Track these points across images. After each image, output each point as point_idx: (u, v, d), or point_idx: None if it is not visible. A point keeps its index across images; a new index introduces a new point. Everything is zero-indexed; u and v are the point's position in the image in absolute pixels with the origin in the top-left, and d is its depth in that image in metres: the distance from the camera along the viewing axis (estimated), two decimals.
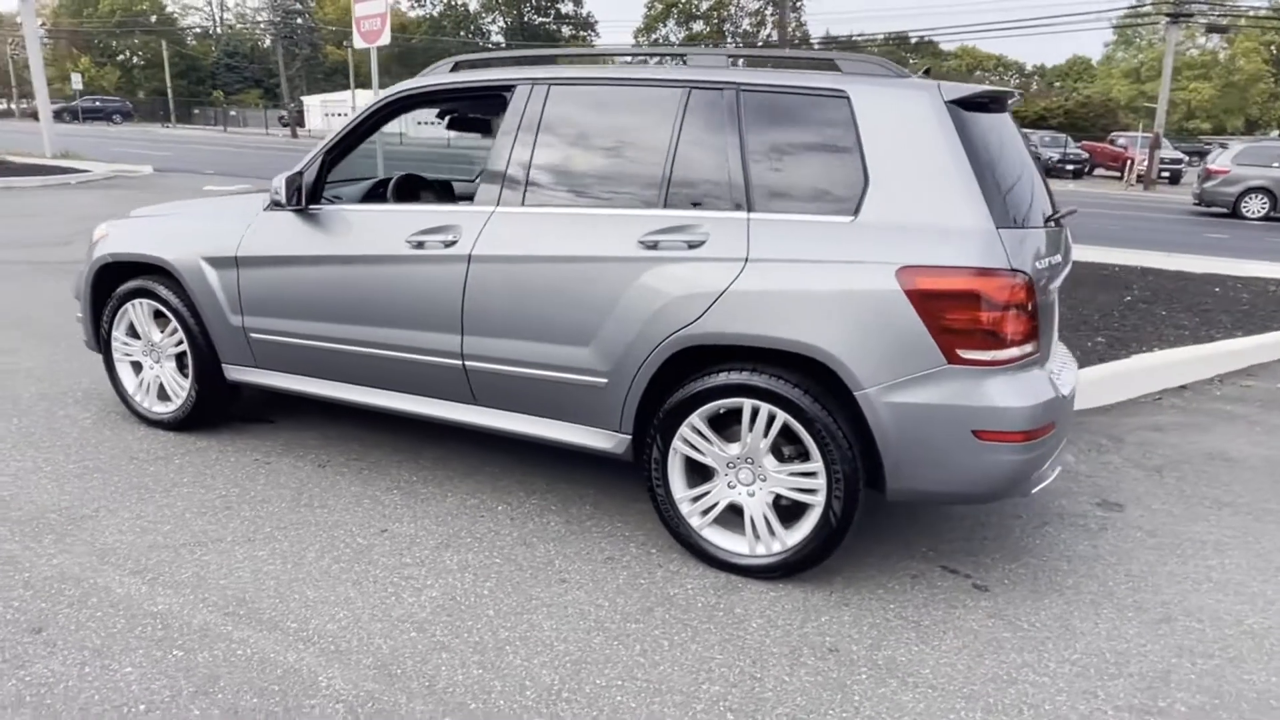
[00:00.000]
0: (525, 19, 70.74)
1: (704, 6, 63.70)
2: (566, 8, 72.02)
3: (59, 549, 2.90)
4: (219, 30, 74.58)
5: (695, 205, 2.85)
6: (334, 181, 3.81)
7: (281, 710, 2.15)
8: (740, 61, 3.00)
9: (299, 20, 61.42)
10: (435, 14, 70.69)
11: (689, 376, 2.85)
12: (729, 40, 62.49)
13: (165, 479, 3.47)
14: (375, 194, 3.93)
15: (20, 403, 4.27)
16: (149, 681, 2.23)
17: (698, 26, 63.85)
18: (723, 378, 2.77)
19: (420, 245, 3.20)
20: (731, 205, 2.80)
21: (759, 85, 2.83)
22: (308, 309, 3.48)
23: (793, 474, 2.76)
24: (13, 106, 61.53)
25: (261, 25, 67.32)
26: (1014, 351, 2.58)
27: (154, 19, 68.72)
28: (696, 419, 2.84)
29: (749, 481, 2.84)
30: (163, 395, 3.95)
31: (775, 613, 2.69)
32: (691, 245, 2.80)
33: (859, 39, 56.84)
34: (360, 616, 2.57)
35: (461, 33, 69.19)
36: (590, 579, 2.85)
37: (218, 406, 3.91)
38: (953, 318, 2.52)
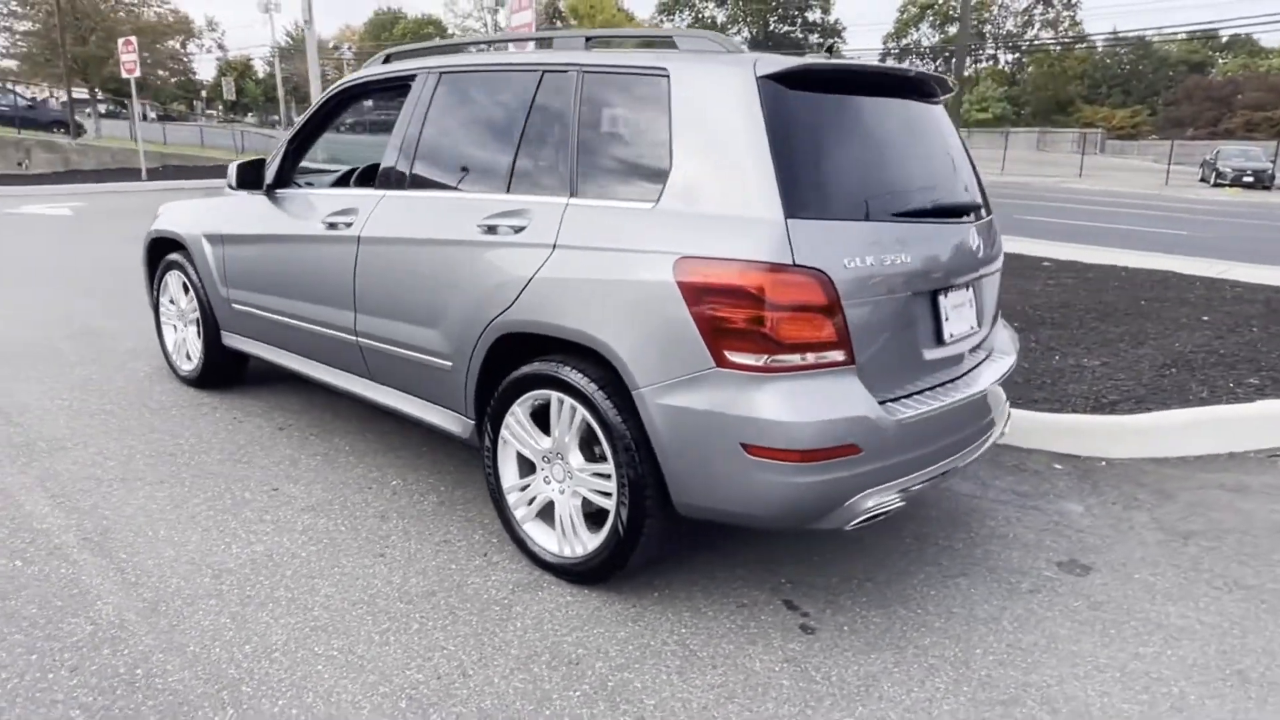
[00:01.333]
0: (771, 28, 70.80)
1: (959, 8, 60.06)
2: (814, 15, 71.13)
3: (18, 469, 3.45)
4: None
5: (534, 189, 2.79)
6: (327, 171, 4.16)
7: (43, 620, 2.43)
8: (592, 42, 2.88)
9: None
10: (682, 28, 72.95)
11: (511, 366, 2.79)
12: (989, 43, 58.26)
13: (150, 425, 3.99)
14: (342, 181, 4.23)
15: (107, 355, 5.10)
16: None
17: (953, 30, 60.21)
18: (532, 368, 2.68)
19: (332, 226, 3.41)
20: (559, 190, 2.71)
21: (595, 66, 2.71)
22: (261, 282, 3.85)
23: (593, 475, 2.61)
24: None
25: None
26: (795, 358, 2.24)
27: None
28: (518, 409, 2.77)
29: (560, 479, 2.72)
30: (188, 356, 4.53)
31: (553, 617, 2.55)
32: (516, 230, 2.74)
33: (1152, 34, 50.44)
34: (179, 559, 2.81)
35: None
36: (405, 557, 2.87)
37: (223, 369, 4.40)
38: (721, 316, 2.25)
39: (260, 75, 71.25)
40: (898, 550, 3.08)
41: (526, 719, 2.11)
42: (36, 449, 3.67)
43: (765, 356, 2.22)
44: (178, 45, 58.49)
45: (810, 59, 2.49)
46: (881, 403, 2.42)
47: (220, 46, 67.52)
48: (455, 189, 3.07)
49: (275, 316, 3.80)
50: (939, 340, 2.66)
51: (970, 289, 2.84)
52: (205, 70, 68.23)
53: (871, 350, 2.38)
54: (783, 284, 2.20)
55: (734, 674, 2.32)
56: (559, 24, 76.30)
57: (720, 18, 72.10)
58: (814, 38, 71.22)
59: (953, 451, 2.63)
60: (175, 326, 4.59)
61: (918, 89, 2.80)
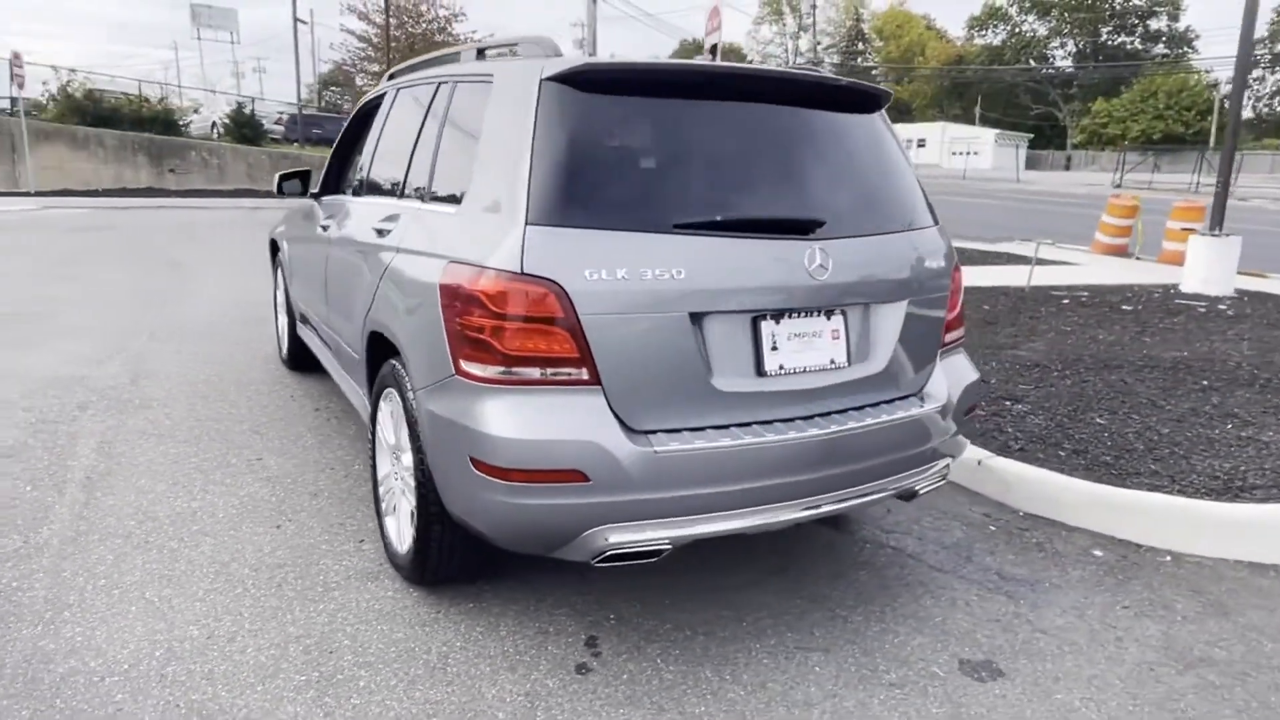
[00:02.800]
0: (1102, 39, 63.38)
1: None
2: (1158, 23, 62.46)
3: (98, 420, 4.24)
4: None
5: (408, 195, 2.91)
6: None
7: None
8: (487, 52, 2.89)
9: (857, 60, 64.90)
10: (996, 43, 67.78)
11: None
12: None
13: (225, 395, 4.66)
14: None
15: (257, 337, 6.03)
16: None
17: None
18: (386, 365, 2.78)
19: (324, 228, 3.79)
20: (420, 195, 2.81)
21: (455, 77, 2.80)
22: (297, 276, 4.37)
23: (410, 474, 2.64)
24: None
25: (823, 65, 72.88)
26: (528, 372, 2.10)
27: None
28: (383, 404, 2.88)
29: (399, 474, 2.78)
30: (279, 342, 5.24)
31: (356, 606, 2.59)
32: (385, 234, 2.87)
33: None
34: (135, 505, 3.27)
35: (1021, 60, 65.08)
36: (296, 531, 3.08)
37: (300, 356, 4.98)
38: (460, 322, 2.17)
39: None
40: (780, 607, 2.71)
41: (236, 688, 2.20)
42: (128, 406, 4.47)
43: (494, 368, 2.12)
44: None
45: (597, 59, 2.33)
46: (650, 432, 2.19)
47: None
48: (378, 195, 3.28)
49: (299, 305, 4.30)
50: (759, 371, 2.33)
51: (838, 318, 2.45)
52: None
53: (627, 372, 2.16)
54: (510, 293, 2.09)
55: (462, 696, 2.20)
56: (861, 45, 74.88)
57: (1041, 30, 66.08)
58: (1158, 49, 62.62)
59: (765, 500, 2.28)
60: (278, 316, 5.33)
61: (772, 91, 2.50)
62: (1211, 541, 3.24)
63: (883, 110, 2.77)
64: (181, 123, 23.18)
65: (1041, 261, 9.32)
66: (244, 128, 23.50)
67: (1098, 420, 4.30)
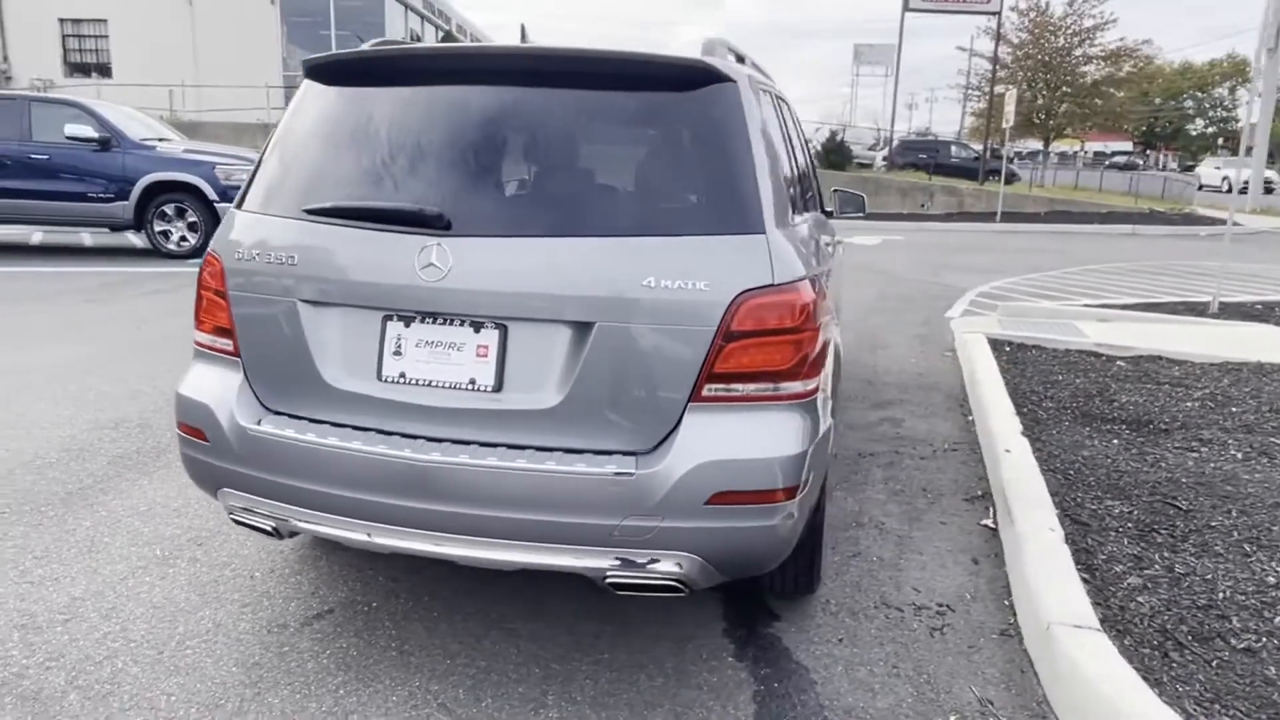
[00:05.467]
0: None
1: None
2: None
3: None
4: None
5: None
6: None
7: None
8: None
9: None
10: None
11: None
12: None
13: None
14: None
15: None
16: None
17: None
18: None
19: None
20: None
21: None
22: None
23: None
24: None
25: None
26: (203, 338, 2.32)
27: None
28: None
29: None
30: None
31: (216, 585, 2.74)
32: None
33: None
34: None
35: None
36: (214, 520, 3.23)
37: None
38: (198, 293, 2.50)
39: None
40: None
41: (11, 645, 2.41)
42: None
43: (202, 334, 2.39)
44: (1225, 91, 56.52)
45: (344, 50, 2.32)
46: (280, 413, 2.23)
47: None
48: None
49: None
50: (377, 374, 2.11)
51: (490, 332, 2.03)
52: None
53: (256, 351, 2.21)
54: (205, 266, 2.36)
55: (202, 684, 2.27)
56: None
57: None
58: None
59: (371, 517, 2.08)
60: None
61: (516, 72, 2.14)
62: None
63: (711, 87, 2.12)
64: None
65: None
66: (832, 154, 25.34)
67: None
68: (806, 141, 4.37)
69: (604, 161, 2.12)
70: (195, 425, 2.30)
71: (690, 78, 2.11)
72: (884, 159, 30.03)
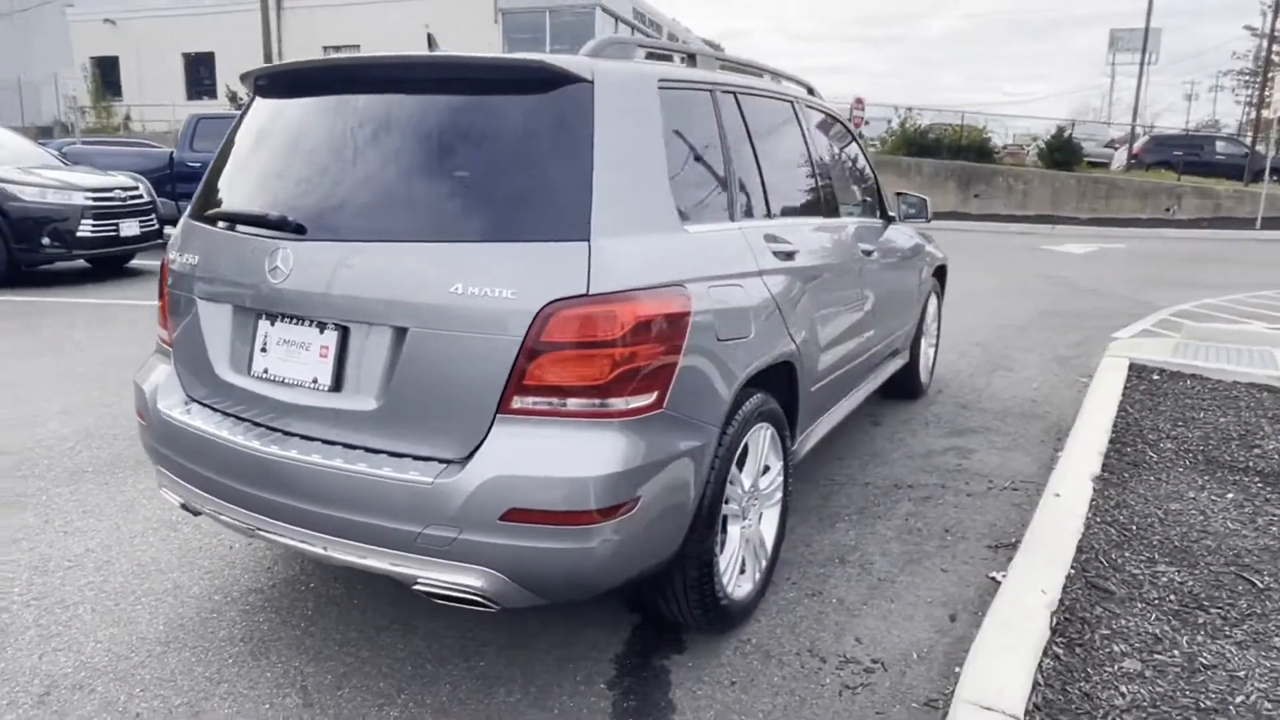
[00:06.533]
0: None
1: None
2: None
3: None
4: None
5: None
6: None
7: None
8: None
9: None
10: None
11: None
12: None
13: None
14: None
15: None
16: None
17: None
18: None
19: None
20: None
21: None
22: None
23: None
24: None
25: None
26: (160, 331, 2.61)
27: None
28: None
29: None
30: None
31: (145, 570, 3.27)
32: None
33: None
34: None
35: None
36: None
37: None
38: None
39: None
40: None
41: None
42: None
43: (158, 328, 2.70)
44: None
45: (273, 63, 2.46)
46: (194, 400, 2.44)
47: None
48: None
49: None
50: (249, 369, 2.24)
51: (331, 333, 2.09)
52: None
53: (179, 343, 2.43)
54: (161, 270, 2.63)
55: (128, 637, 2.60)
56: None
57: None
58: None
59: (233, 500, 2.23)
60: None
61: (382, 80, 2.18)
62: None
63: (562, 89, 2.04)
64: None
65: None
66: (1057, 152, 23.00)
67: None
68: (856, 139, 4.04)
69: (441, 166, 2.09)
70: (139, 408, 2.58)
71: (536, 79, 2.05)
72: (1129, 157, 26.72)
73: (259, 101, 2.51)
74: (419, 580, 2.00)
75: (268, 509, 2.15)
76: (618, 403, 1.92)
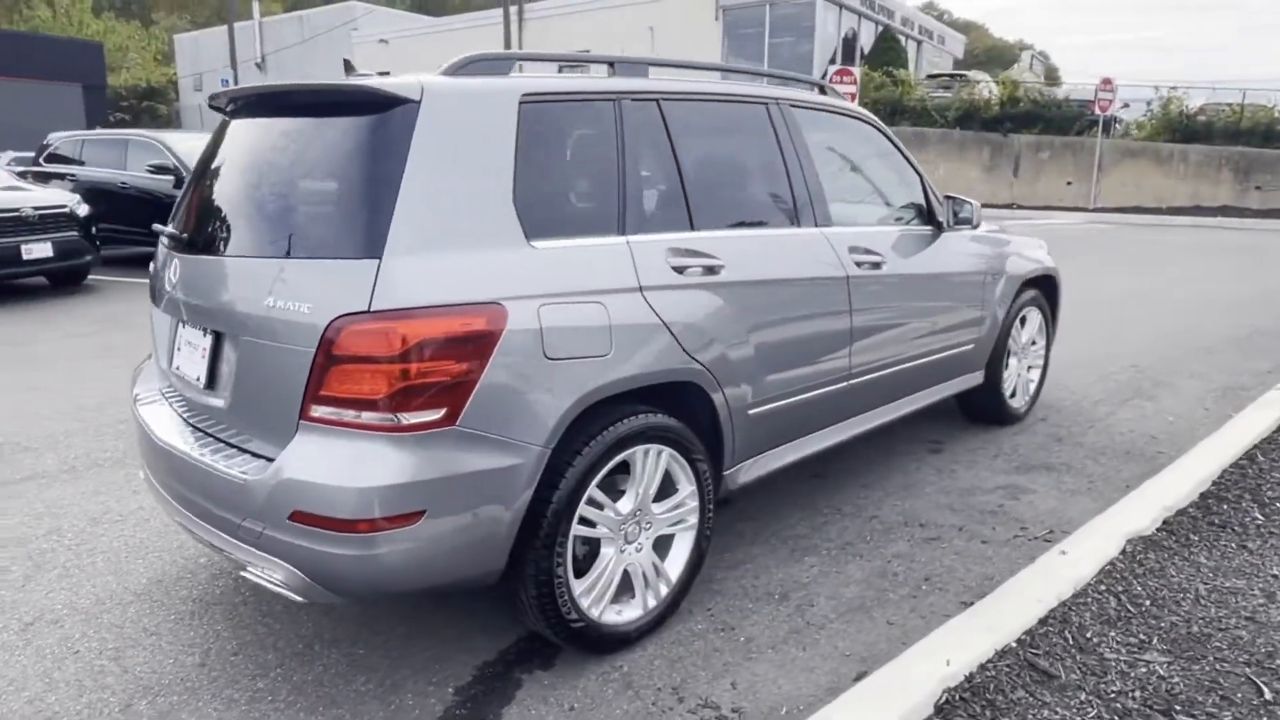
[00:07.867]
0: None
1: None
2: None
3: None
4: None
5: None
6: None
7: None
8: None
9: None
10: None
11: None
12: None
13: None
14: None
15: None
16: None
17: None
18: None
19: None
20: None
21: None
22: None
23: None
24: None
25: None
26: None
27: None
28: None
29: None
30: None
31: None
32: None
33: None
34: None
35: None
36: None
37: None
38: None
39: None
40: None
41: None
42: None
43: None
44: None
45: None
46: (161, 394, 2.82)
47: None
48: None
49: None
50: (170, 364, 2.56)
51: (209, 337, 2.33)
52: None
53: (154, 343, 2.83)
54: None
55: (94, 605, 3.21)
56: None
57: None
58: None
59: (161, 486, 2.55)
60: None
61: (268, 105, 2.38)
62: None
63: (390, 111, 2.12)
64: None
65: None
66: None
67: None
68: (891, 140, 3.68)
69: (278, 188, 2.24)
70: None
71: (365, 102, 2.13)
72: None
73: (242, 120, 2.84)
74: (247, 567, 2.18)
75: (171, 493, 2.46)
76: (401, 417, 1.97)
